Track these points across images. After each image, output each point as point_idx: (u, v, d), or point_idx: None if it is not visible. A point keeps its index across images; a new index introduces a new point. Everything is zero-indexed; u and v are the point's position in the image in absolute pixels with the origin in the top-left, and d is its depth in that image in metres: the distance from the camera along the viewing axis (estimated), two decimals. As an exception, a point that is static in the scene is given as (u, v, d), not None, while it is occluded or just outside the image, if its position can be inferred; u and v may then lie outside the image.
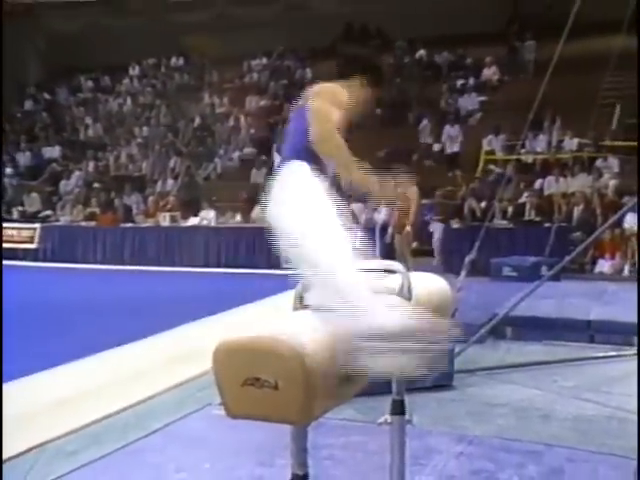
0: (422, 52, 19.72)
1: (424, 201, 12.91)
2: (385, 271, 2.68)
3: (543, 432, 4.69)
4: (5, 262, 15.67)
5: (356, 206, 12.81)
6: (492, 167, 14.95)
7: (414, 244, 11.24)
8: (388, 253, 10.70)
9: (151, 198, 17.40)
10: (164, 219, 16.49)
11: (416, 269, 2.88)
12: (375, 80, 3.19)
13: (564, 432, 4.70)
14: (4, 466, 4.04)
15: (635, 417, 4.95)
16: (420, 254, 12.27)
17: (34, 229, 17.21)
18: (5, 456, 4.14)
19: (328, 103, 2.90)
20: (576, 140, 15.01)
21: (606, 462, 4.14)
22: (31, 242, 17.04)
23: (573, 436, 4.61)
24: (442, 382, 5.62)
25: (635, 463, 4.08)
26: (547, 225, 12.63)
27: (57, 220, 17.83)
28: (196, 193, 17.53)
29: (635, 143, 14.12)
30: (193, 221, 16.23)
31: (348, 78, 3.09)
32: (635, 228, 12.19)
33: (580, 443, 4.45)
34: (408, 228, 10.06)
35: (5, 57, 21.71)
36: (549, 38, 8.39)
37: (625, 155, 14.16)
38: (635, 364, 6.40)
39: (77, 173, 19.50)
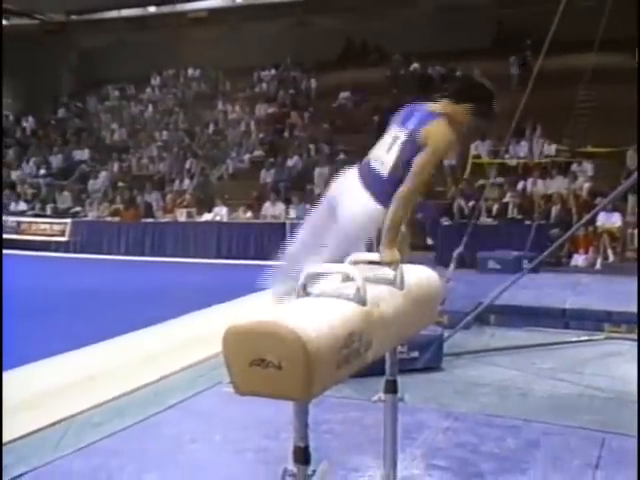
0: (416, 65, 19.64)
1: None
2: (380, 263, 2.69)
3: (522, 409, 4.70)
4: (39, 253, 15.81)
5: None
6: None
7: (409, 240, 11.21)
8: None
9: (169, 196, 17.38)
10: (181, 215, 16.47)
11: (412, 262, 2.87)
12: (485, 112, 3.03)
13: (540, 408, 4.71)
14: (38, 435, 4.07)
15: (603, 394, 4.98)
16: (417, 248, 12.28)
17: (65, 224, 17.21)
18: (38, 426, 4.17)
19: (448, 126, 2.85)
20: (554, 146, 14.99)
21: (577, 435, 4.16)
22: (62, 235, 17.05)
23: (548, 412, 4.62)
24: (432, 364, 5.62)
25: (602, 435, 4.10)
26: (528, 223, 12.60)
27: (85, 216, 17.81)
28: (210, 191, 17.51)
29: (607, 149, 14.16)
30: (207, 217, 16.20)
31: (459, 102, 2.94)
32: (607, 226, 12.22)
33: (554, 418, 4.47)
34: (402, 228, 10.00)
35: (40, 70, 21.82)
36: (530, 54, 8.37)
37: (598, 160, 14.17)
38: (605, 347, 6.43)
39: (103, 173, 19.48)
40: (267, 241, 13.93)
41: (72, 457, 3.81)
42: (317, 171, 16.76)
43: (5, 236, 16.13)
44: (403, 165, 2.85)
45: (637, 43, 11.44)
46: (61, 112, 23.73)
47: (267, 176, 17.44)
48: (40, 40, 22.58)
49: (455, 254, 7.68)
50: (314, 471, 2.14)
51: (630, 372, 5.60)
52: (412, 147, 2.86)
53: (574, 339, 6.70)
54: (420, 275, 2.86)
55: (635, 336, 6.69)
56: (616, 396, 4.94)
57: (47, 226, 17.34)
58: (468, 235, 7.65)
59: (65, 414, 4.42)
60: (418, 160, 2.78)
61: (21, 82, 22.68)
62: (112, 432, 4.18)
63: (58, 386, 5.09)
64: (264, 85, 21.80)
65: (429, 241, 13.59)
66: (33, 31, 22.92)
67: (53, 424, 4.26)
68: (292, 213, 15.15)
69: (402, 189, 2.74)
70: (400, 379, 2.96)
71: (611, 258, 12.05)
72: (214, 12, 22.07)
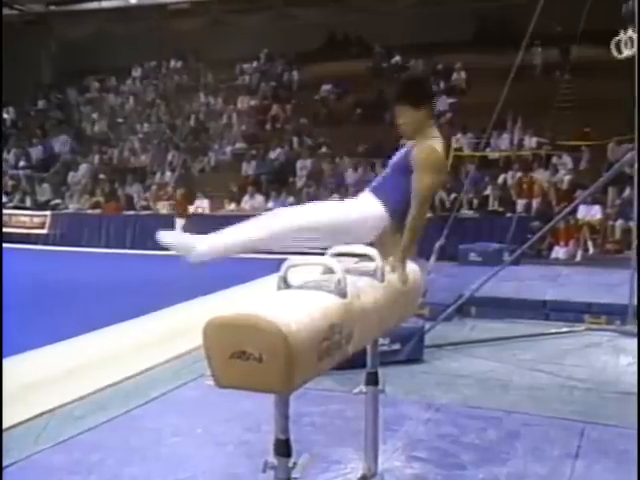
0: (398, 58, 19.64)
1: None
2: (362, 255, 2.69)
3: (502, 400, 4.73)
4: (18, 246, 15.62)
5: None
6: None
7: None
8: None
9: (154, 187, 17.31)
10: (162, 207, 16.42)
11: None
12: (433, 107, 3.01)
13: (521, 400, 4.75)
14: (19, 429, 4.04)
15: (583, 385, 5.02)
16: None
17: (45, 216, 17.08)
18: (19, 419, 4.15)
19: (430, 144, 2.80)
20: (535, 139, 15.06)
21: (557, 425, 4.20)
22: (42, 228, 16.93)
23: (529, 403, 4.66)
24: (413, 356, 5.64)
25: (582, 425, 4.14)
26: (509, 215, 12.69)
27: (66, 208, 17.68)
28: (192, 184, 17.45)
29: (586, 142, 14.25)
30: (189, 209, 16.16)
31: (420, 106, 2.85)
32: (587, 218, 12.31)
33: (535, 409, 4.51)
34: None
35: (21, 60, 21.53)
36: (512, 47, 8.38)
37: (578, 153, 14.26)
38: (585, 339, 6.48)
39: (84, 165, 19.33)
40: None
41: (52, 451, 3.79)
42: (299, 164, 16.73)
43: (-17, 228, 15.98)
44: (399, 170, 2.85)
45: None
46: (41, 103, 23.47)
47: (249, 168, 17.39)
48: (20, 31, 22.30)
49: (436, 246, 7.70)
50: (295, 463, 2.14)
51: (610, 363, 5.67)
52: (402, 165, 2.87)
53: (554, 331, 6.74)
54: (401, 267, 2.85)
55: (614, 327, 6.78)
56: (596, 387, 4.99)
57: (27, 218, 17.19)
58: (449, 227, 7.67)
59: (45, 407, 4.41)
60: (415, 185, 2.75)
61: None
62: (93, 425, 4.17)
63: (38, 379, 5.06)
64: (246, 77, 21.69)
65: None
66: (13, 22, 22.62)
67: (33, 418, 4.24)
68: (271, 205, 15.11)
69: (410, 216, 2.73)
70: (381, 371, 2.97)
71: (591, 250, 12.14)
72: (196, 4, 21.85)
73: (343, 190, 14.46)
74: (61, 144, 20.75)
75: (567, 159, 14.17)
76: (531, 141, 15.18)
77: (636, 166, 6.91)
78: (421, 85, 3.06)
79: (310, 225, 2.69)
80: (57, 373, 5.26)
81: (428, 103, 2.94)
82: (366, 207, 2.79)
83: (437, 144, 2.86)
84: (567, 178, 13.53)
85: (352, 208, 2.79)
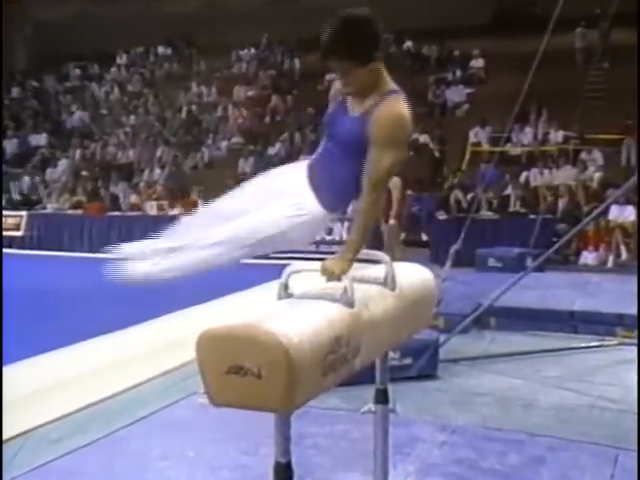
0: (409, 44, 19.67)
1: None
2: (370, 261, 2.68)
3: (525, 421, 4.72)
4: (-10, 249, 15.65)
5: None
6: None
7: (402, 235, 11.24)
8: (376, 243, 10.71)
9: (142, 185, 17.33)
10: (151, 208, 16.44)
11: (406, 260, 2.87)
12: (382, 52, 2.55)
13: (546, 421, 4.73)
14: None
15: (615, 406, 5.00)
16: (412, 244, 12.31)
17: (20, 217, 17.12)
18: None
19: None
20: (561, 133, 15.06)
21: (587, 451, 4.17)
22: (17, 230, 16.95)
23: (555, 425, 4.64)
24: (426, 372, 5.64)
25: (615, 451, 4.11)
26: (532, 217, 12.67)
27: (44, 208, 17.74)
28: (183, 182, 17.48)
29: (619, 136, 14.24)
30: (180, 210, 16.18)
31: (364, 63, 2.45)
32: (619, 220, 12.28)
33: (562, 432, 4.48)
34: (392, 221, 10.03)
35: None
36: (535, 31, 8.39)
37: (611, 147, 14.24)
38: (617, 354, 6.46)
39: (64, 161, 19.41)
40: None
41: (26, 478, 3.78)
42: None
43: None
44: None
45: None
46: (15, 91, 23.55)
47: (246, 165, 17.42)
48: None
49: (452, 251, 7.71)
50: (297, 490, 2.14)
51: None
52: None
53: (583, 345, 6.73)
54: (413, 274, 2.85)
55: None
56: (630, 408, 4.96)
57: (0, 219, 17.24)
58: (466, 230, 7.68)
59: (18, 429, 4.39)
60: (373, 165, 2.40)
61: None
62: (72, 449, 4.16)
63: (10, 398, 5.05)
64: (243, 65, 21.77)
65: (423, 237, 13.64)
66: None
67: (5, 441, 4.23)
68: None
69: (363, 206, 2.42)
70: (392, 388, 2.96)
71: (624, 256, 12.11)
72: (187, -17, 22.04)
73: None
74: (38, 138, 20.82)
75: (597, 155, 14.17)
76: (557, 135, 15.20)
77: (637, 166, 6.89)
78: (362, 31, 2.48)
79: (232, 243, 2.63)
80: (31, 391, 5.25)
81: (377, 51, 2.48)
82: (299, 209, 2.55)
83: (402, 101, 2.46)
84: (597, 175, 13.53)
85: (281, 216, 2.56)
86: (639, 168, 6.83)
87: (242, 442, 4.16)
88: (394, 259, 2.66)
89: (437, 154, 16.24)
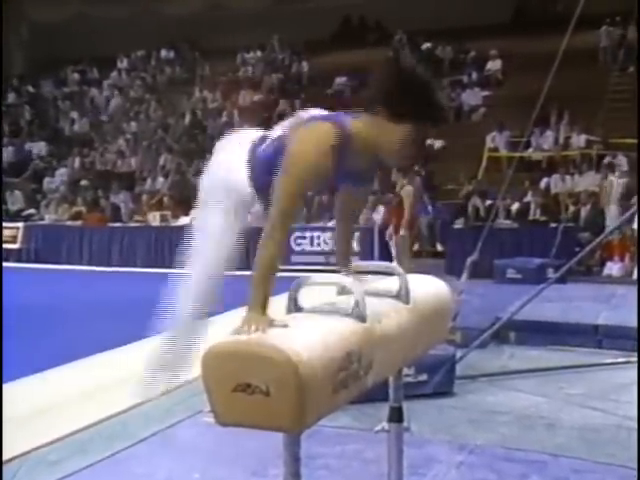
0: (427, 45, 19.69)
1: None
2: (383, 273, 2.69)
3: (548, 441, 4.70)
4: (-14, 263, 15.71)
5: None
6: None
7: (416, 245, 11.25)
8: (388, 254, 10.72)
9: (145, 196, 17.38)
10: (154, 218, 16.48)
11: (420, 271, 2.88)
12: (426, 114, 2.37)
13: (570, 442, 4.71)
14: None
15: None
16: (425, 255, 12.31)
17: (17, 228, 17.16)
18: (-15, 466, 4.15)
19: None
20: (584, 137, 15.04)
21: (613, 473, 4.15)
22: (14, 242, 16.99)
23: (579, 446, 4.61)
24: (442, 389, 5.63)
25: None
26: (553, 225, 12.65)
27: (41, 219, 17.81)
28: (187, 191, 17.51)
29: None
30: (184, 220, 16.19)
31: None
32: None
33: (586, 453, 4.46)
34: (402, 232, 10.04)
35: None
36: (556, 30, 8.39)
37: (634, 152, 14.20)
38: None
39: (62, 170, 19.49)
40: (253, 249, 13.91)
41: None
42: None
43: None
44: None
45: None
46: (11, 97, 23.68)
47: (252, 173, 17.43)
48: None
49: (468, 262, 7.69)
50: (307, 513, 2.14)
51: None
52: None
53: (608, 361, 6.71)
54: (428, 286, 2.86)
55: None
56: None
57: (-5, 231, 17.30)
58: (483, 240, 7.67)
59: (15, 451, 4.38)
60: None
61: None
62: (72, 471, 4.15)
63: (7, 418, 5.05)
64: (249, 69, 21.84)
65: (439, 247, 13.63)
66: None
67: (1, 463, 4.24)
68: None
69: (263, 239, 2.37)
70: (406, 406, 2.96)
71: (651, 267, 12.08)
72: (190, -16, 22.15)
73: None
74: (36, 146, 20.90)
75: (622, 159, 14.13)
76: (579, 139, 15.18)
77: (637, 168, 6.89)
78: (415, 90, 2.34)
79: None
80: (29, 411, 5.25)
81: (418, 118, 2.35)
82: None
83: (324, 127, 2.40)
84: (622, 182, 13.49)
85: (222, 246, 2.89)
86: (639, 177, 6.82)
87: (250, 463, 4.16)
88: (406, 270, 2.68)
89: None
